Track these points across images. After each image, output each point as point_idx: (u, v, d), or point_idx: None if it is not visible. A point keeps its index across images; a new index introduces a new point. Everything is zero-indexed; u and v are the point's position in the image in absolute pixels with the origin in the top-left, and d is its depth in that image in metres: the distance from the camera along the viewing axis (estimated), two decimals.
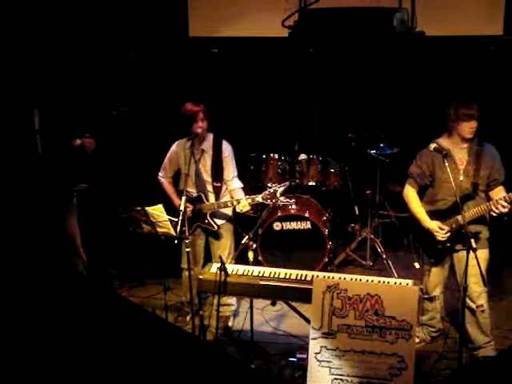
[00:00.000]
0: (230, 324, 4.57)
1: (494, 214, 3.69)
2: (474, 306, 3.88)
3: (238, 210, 4.23)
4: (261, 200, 4.06)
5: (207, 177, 4.36)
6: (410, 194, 4.04)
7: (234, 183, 4.39)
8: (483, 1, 5.61)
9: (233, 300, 4.59)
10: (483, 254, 3.81)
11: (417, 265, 5.21)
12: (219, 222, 4.42)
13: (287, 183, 4.11)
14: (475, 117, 3.72)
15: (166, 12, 6.07)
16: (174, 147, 4.46)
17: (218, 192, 4.36)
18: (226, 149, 4.36)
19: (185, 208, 3.95)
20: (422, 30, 3.48)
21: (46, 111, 4.52)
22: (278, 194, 3.98)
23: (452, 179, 3.62)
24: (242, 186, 4.46)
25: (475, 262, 3.47)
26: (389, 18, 3.03)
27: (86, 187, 4.78)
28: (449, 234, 3.85)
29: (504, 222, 4.03)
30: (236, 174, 4.43)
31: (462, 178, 3.81)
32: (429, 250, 4.03)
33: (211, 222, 4.36)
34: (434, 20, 5.34)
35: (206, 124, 4.26)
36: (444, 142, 3.88)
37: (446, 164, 3.65)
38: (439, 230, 3.85)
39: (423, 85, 6.10)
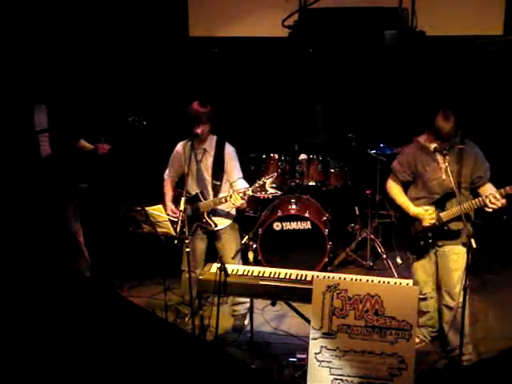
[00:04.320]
0: (246, 322, 4.53)
1: (489, 210, 3.67)
2: (453, 303, 3.84)
3: (231, 205, 4.18)
4: (251, 193, 4.01)
5: (207, 176, 4.35)
6: (393, 187, 4.07)
7: (238, 184, 4.34)
8: (483, 1, 5.61)
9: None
10: (464, 250, 3.77)
11: (399, 260, 5.27)
12: (225, 223, 4.40)
13: (275, 174, 4.05)
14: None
15: (166, 12, 6.06)
16: (177, 147, 4.46)
17: (217, 190, 4.34)
18: (228, 150, 4.34)
19: (185, 208, 3.93)
20: (422, 30, 3.48)
21: (52, 111, 4.52)
22: (267, 186, 3.94)
23: (434, 177, 3.63)
24: (247, 186, 4.41)
25: (456, 258, 3.55)
26: (390, 17, 3.03)
27: (86, 187, 4.78)
28: (435, 214, 3.82)
29: (503, 220, 4.03)
30: (241, 175, 4.39)
31: (444, 176, 3.79)
32: (411, 246, 4.04)
33: (209, 221, 4.30)
34: (434, 20, 5.34)
35: (206, 127, 4.24)
36: (427, 140, 3.84)
37: (447, 164, 3.65)
38: (425, 212, 3.84)
39: (423, 85, 6.09)
